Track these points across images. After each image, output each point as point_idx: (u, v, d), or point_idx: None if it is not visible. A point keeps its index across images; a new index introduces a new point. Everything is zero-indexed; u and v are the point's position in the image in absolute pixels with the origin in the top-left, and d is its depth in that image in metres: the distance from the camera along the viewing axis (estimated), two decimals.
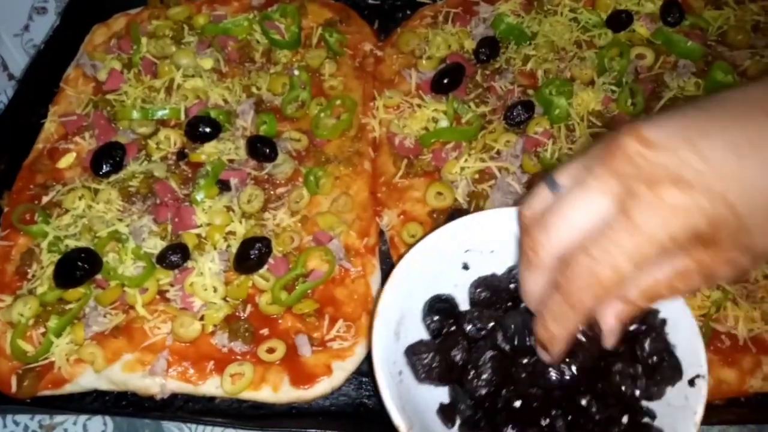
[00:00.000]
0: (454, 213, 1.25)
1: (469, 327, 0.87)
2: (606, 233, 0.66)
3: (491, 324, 0.87)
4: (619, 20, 1.53)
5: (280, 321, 1.20)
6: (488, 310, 0.89)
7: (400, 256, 1.28)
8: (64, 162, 1.43)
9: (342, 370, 1.15)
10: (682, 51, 1.48)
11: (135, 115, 1.45)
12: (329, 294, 1.23)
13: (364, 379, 1.18)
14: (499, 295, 0.91)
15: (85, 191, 1.34)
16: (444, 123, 1.41)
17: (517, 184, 1.30)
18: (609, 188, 0.67)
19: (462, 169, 1.34)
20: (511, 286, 0.91)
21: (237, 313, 1.21)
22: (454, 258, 0.96)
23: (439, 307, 0.92)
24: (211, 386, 1.14)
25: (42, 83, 1.59)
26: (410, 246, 1.27)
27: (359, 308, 1.22)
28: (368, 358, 1.19)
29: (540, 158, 1.33)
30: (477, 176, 1.34)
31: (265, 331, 1.19)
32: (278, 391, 1.13)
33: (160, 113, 1.46)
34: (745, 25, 1.54)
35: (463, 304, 0.95)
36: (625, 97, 1.39)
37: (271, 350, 1.16)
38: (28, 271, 1.26)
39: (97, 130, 1.46)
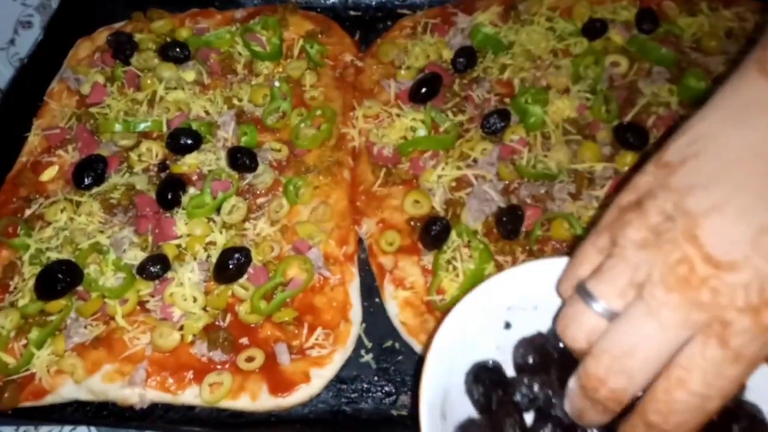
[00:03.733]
0: (431, 220, 1.27)
1: (519, 398, 0.80)
2: (706, 366, 0.62)
3: (544, 393, 0.79)
4: (594, 29, 1.56)
5: (259, 330, 1.22)
6: (538, 376, 0.81)
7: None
8: (47, 175, 1.44)
9: (320, 377, 1.17)
10: (656, 58, 1.50)
11: (117, 127, 1.47)
12: (308, 302, 1.25)
13: (342, 386, 1.19)
14: (547, 358, 0.83)
15: (67, 204, 1.35)
16: (422, 132, 1.43)
17: (494, 191, 1.32)
18: (687, 320, 0.63)
19: (439, 177, 1.36)
20: (561, 345, 0.80)
21: (216, 323, 1.22)
22: (495, 316, 0.87)
23: (485, 377, 0.83)
24: (190, 395, 1.15)
25: (26, 97, 1.61)
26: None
27: (338, 316, 1.23)
28: (346, 365, 1.20)
29: (516, 166, 1.35)
30: (454, 184, 1.35)
31: (244, 340, 1.20)
32: (257, 399, 1.14)
33: (142, 125, 1.48)
34: (719, 32, 1.56)
35: (508, 368, 0.86)
36: (599, 104, 1.42)
37: (250, 359, 1.17)
38: (10, 283, 1.28)
39: (80, 143, 1.47)
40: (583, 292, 0.71)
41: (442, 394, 0.81)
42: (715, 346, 0.62)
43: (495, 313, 0.86)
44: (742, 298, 0.61)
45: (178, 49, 1.59)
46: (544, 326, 0.87)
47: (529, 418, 0.82)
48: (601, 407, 0.68)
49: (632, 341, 0.65)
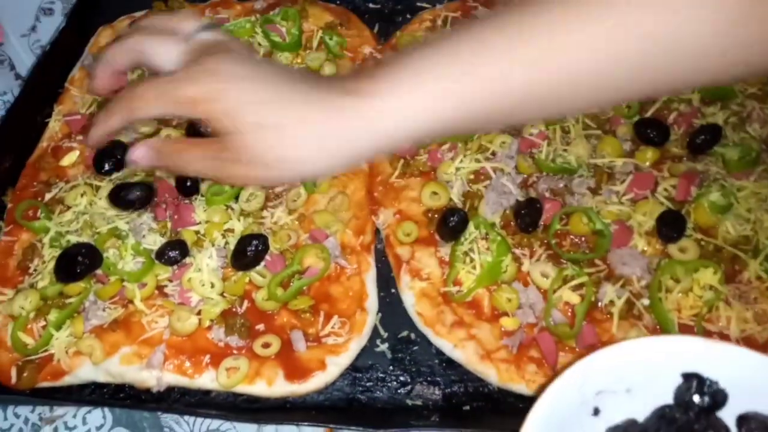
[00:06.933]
0: (449, 212, 1.27)
1: None
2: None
3: None
4: None
5: (275, 317, 1.22)
6: None
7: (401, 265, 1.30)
8: (67, 160, 1.46)
9: (336, 365, 1.17)
10: None
11: None
12: (325, 291, 1.25)
13: (357, 375, 1.19)
14: None
15: (87, 188, 1.36)
16: None
17: (512, 184, 1.32)
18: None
19: (457, 169, 1.35)
20: None
21: (234, 309, 1.22)
22: (584, 402, 0.81)
23: None
24: (207, 379, 1.15)
25: (47, 83, 1.62)
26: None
27: (354, 305, 1.23)
28: (362, 354, 1.20)
29: (535, 159, 1.35)
30: (472, 176, 1.35)
31: (260, 327, 1.21)
32: (273, 385, 1.14)
33: None
34: None
35: None
36: None
37: (266, 345, 1.17)
38: (30, 265, 1.29)
39: None
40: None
41: None
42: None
43: (584, 398, 0.80)
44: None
45: None
46: (635, 412, 0.81)
47: None
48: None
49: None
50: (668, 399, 0.82)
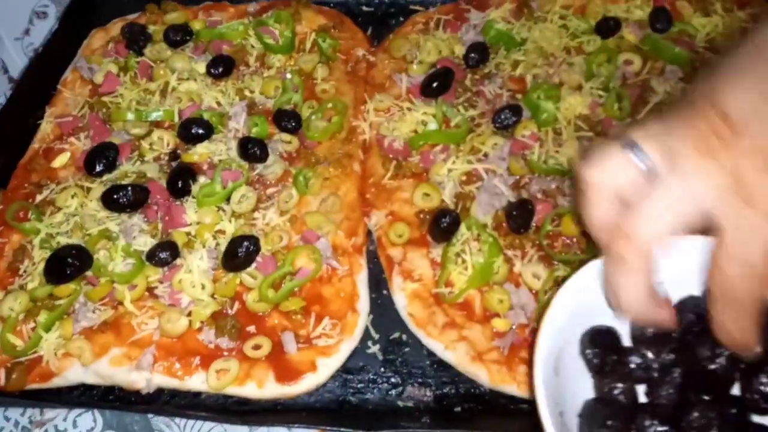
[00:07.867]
0: (441, 213, 1.27)
1: (632, 366, 0.82)
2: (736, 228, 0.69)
3: (659, 364, 0.81)
4: (608, 27, 1.55)
5: (266, 318, 1.21)
6: (654, 348, 0.82)
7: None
8: (59, 161, 1.45)
9: (326, 366, 1.16)
10: (670, 57, 1.50)
11: (129, 116, 1.48)
12: (316, 292, 1.24)
13: (348, 376, 1.19)
14: (666, 333, 0.82)
15: (78, 190, 1.36)
16: (433, 126, 1.43)
17: (504, 186, 1.32)
18: (712, 177, 0.69)
19: (449, 170, 1.35)
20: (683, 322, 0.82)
21: (224, 310, 1.22)
22: None
23: (600, 341, 0.84)
24: (197, 381, 1.15)
25: (40, 85, 1.62)
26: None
27: (345, 306, 1.23)
28: (353, 356, 1.20)
29: (527, 161, 1.35)
30: (464, 178, 1.35)
31: (251, 328, 1.20)
32: (263, 387, 1.14)
33: (154, 115, 1.48)
34: (733, 32, 1.56)
35: (624, 338, 0.86)
36: (611, 101, 1.41)
37: (257, 347, 1.17)
38: (20, 267, 1.29)
39: (92, 131, 1.48)
40: (627, 141, 0.74)
41: (557, 349, 0.82)
42: (738, 205, 0.68)
43: None
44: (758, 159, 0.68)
45: (180, 34, 1.63)
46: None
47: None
48: (623, 259, 0.74)
49: (668, 200, 0.72)
50: (695, 291, 0.85)
